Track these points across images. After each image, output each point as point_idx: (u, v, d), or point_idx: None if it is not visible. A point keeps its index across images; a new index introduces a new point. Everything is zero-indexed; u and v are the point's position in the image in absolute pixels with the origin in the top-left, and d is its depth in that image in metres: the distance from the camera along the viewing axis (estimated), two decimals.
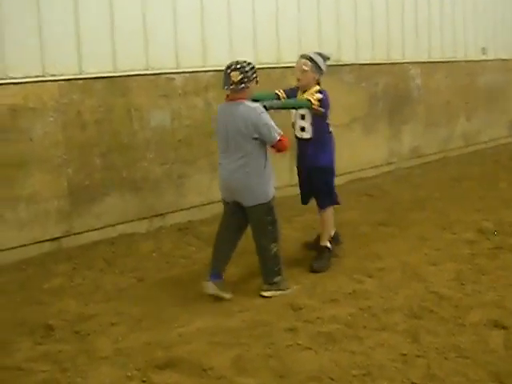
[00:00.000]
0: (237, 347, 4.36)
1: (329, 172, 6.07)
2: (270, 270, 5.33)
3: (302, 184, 6.20)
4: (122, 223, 6.84)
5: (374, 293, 5.26)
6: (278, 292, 5.29)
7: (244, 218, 5.35)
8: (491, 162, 10.85)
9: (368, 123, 9.57)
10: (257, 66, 5.25)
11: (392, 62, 9.91)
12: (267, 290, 5.30)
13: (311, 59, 5.85)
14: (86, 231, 6.58)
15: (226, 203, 5.43)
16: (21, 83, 6.00)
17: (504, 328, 4.56)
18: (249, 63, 5.17)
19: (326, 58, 5.96)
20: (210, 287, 5.26)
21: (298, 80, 5.91)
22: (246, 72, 5.08)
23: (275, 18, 8.15)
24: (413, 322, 4.70)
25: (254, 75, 5.17)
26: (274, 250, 5.31)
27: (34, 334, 4.71)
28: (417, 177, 9.72)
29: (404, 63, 10.17)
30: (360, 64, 9.33)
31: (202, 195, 7.39)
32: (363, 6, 9.40)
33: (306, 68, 5.82)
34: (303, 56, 5.90)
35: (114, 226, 6.78)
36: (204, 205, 7.43)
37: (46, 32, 6.14)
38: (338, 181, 8.85)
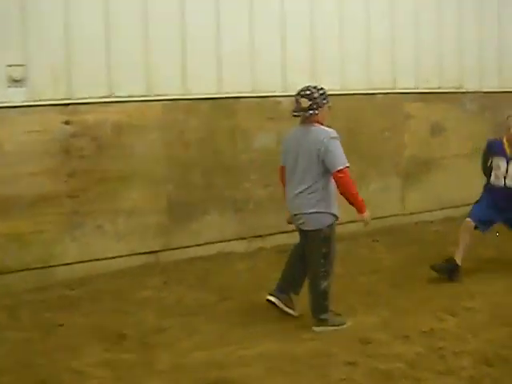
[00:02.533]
0: (290, 375, 4.34)
1: None
2: (317, 305, 5.22)
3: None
4: (221, 242, 6.98)
5: (452, 333, 5.02)
6: (331, 328, 5.17)
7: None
8: None
9: None
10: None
11: None
12: (318, 326, 5.20)
13: None
14: (184, 247, 6.78)
15: (299, 230, 5.43)
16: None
17: None
18: (320, 89, 5.13)
19: None
20: (273, 298, 5.33)
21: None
22: (315, 98, 5.05)
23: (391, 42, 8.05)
24: (481, 369, 4.43)
25: (325, 101, 5.11)
26: (323, 285, 5.17)
27: (106, 342, 4.94)
28: None
29: None
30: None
31: None
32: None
33: None
34: None
35: (212, 243, 6.92)
36: None
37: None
38: (455, 212, 8.70)
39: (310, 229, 5.17)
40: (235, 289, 6.16)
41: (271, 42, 7.19)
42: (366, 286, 6.10)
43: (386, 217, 8.03)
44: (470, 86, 8.85)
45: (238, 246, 7.10)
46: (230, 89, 6.90)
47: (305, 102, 5.04)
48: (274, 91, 7.21)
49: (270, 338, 4.95)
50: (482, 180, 6.77)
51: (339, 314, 5.33)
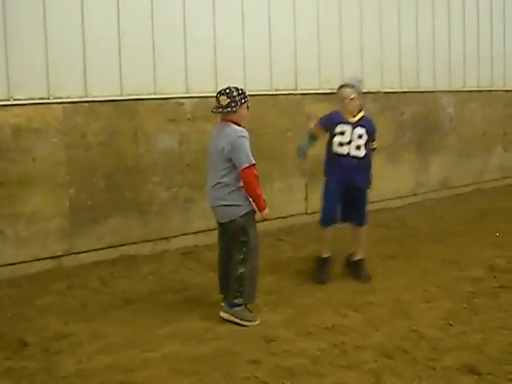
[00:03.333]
0: (194, 376, 4.34)
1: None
2: (231, 290, 5.31)
3: (335, 202, 6.26)
4: (125, 245, 6.91)
5: (354, 328, 5.15)
6: (237, 320, 5.24)
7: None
8: None
9: (393, 152, 9.43)
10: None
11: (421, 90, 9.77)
12: (225, 312, 5.30)
13: (354, 87, 6.15)
14: (87, 251, 6.67)
15: (217, 223, 5.54)
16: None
17: (477, 374, 4.38)
18: (239, 89, 5.27)
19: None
20: (221, 312, 5.34)
21: (345, 107, 6.16)
22: (234, 97, 5.19)
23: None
24: (382, 361, 4.57)
25: (243, 100, 5.25)
26: (240, 271, 5.27)
27: (7, 350, 4.80)
28: (443, 209, 9.49)
29: (435, 92, 10.00)
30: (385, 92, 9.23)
31: (209, 220, 7.37)
32: (389, 34, 9.30)
33: (353, 96, 6.09)
34: (347, 85, 6.18)
35: (115, 247, 6.85)
36: (210, 230, 7.40)
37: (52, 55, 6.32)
38: None
39: (224, 221, 5.35)
40: (139, 292, 6.11)
41: (173, 43, 7.15)
42: (270, 285, 6.15)
43: (289, 216, 8.15)
44: (371, 86, 9.04)
45: (143, 249, 7.04)
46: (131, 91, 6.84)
47: (223, 100, 5.18)
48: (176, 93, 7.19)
49: (173, 340, 4.95)
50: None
51: (251, 311, 5.37)
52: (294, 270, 6.68)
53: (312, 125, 6.38)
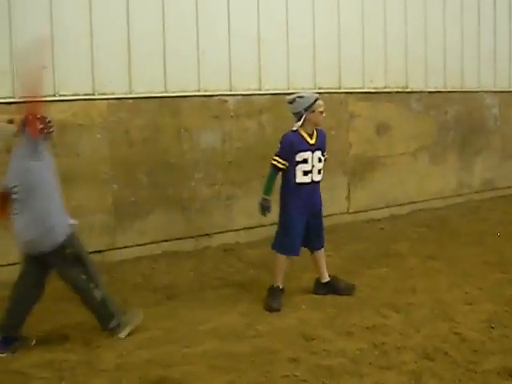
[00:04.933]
0: (233, 373, 4.36)
1: None
2: (101, 318, 5.01)
3: (301, 231, 5.81)
4: (167, 241, 6.96)
5: (394, 329, 5.11)
6: (130, 327, 5.02)
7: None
8: None
9: (437, 153, 9.35)
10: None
11: (465, 90, 9.65)
12: (114, 334, 4.97)
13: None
14: (130, 246, 6.74)
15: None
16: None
17: None
18: None
19: None
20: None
21: (317, 120, 5.74)
22: None
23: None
24: (422, 363, 4.53)
25: None
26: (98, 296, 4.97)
27: (49, 343, 4.88)
28: (486, 210, 9.37)
29: (480, 92, 9.87)
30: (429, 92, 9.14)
31: (251, 218, 7.41)
32: (434, 31, 9.21)
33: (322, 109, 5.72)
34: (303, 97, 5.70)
35: (158, 243, 6.91)
36: (253, 227, 7.46)
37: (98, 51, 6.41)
38: (401, 210, 8.84)
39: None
40: (181, 287, 6.16)
41: (217, 40, 7.21)
42: (310, 284, 6.13)
43: (331, 215, 8.13)
44: (415, 85, 8.97)
45: (185, 245, 7.09)
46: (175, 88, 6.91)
47: None
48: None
49: (213, 336, 4.97)
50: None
51: (125, 312, 5.15)
52: (336, 269, 6.65)
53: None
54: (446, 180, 9.55)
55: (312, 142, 5.71)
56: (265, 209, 5.66)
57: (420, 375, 4.34)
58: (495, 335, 5.01)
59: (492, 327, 5.17)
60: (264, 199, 5.66)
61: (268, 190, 5.69)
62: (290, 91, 7.00)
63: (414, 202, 9.06)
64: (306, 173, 5.68)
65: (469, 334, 5.01)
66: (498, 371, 4.42)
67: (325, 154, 5.87)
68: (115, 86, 6.58)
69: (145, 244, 6.86)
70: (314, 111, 5.64)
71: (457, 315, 5.40)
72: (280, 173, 5.70)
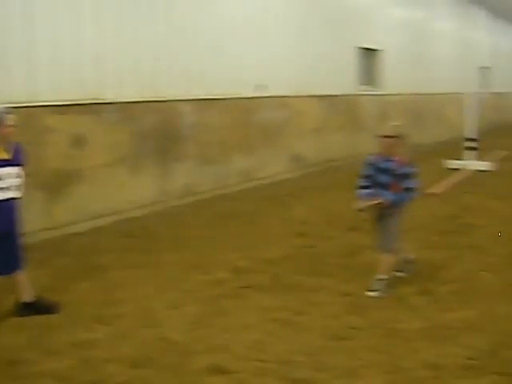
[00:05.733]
0: None
1: None
2: None
3: None
4: None
5: (103, 342, 5.06)
6: None
7: None
8: (266, 198, 11.10)
9: (135, 162, 9.44)
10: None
11: (161, 99, 9.88)
12: None
13: None
14: None
15: None
16: None
17: (227, 373, 4.54)
18: None
19: None
20: None
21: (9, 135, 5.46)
22: None
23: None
24: (133, 372, 4.56)
25: None
26: None
27: None
28: (186, 215, 9.67)
29: (175, 100, 10.17)
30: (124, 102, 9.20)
31: None
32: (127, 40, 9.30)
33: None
34: None
35: None
36: None
37: None
38: (103, 222, 8.78)
39: None
40: None
41: None
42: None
43: (31, 232, 7.80)
44: (110, 96, 8.96)
45: None
46: None
47: None
48: None
49: None
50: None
51: None
52: (39, 286, 6.38)
53: None
54: (146, 188, 9.68)
55: (7, 157, 5.43)
56: None
57: None
58: (201, 335, 5.19)
59: (197, 328, 5.35)
60: None
61: None
62: None
63: (116, 213, 9.05)
64: (2, 189, 5.39)
65: (175, 337, 5.16)
66: (206, 369, 4.59)
67: (22, 169, 5.58)
68: None
69: None
70: (2, 125, 5.37)
71: (163, 320, 5.51)
72: None
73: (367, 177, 6.20)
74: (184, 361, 4.72)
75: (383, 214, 6.16)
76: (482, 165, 14.63)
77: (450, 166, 14.66)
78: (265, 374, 4.52)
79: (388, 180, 6.06)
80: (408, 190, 6.06)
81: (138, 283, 6.49)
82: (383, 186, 6.08)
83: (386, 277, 6.17)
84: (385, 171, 6.08)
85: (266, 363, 4.68)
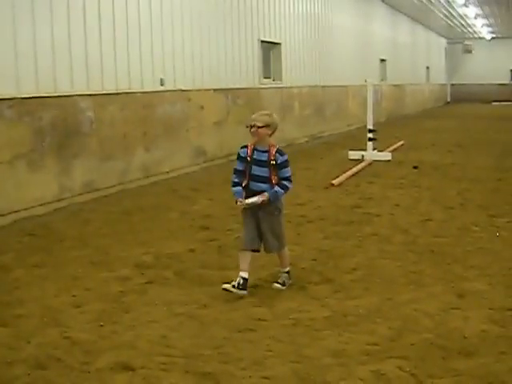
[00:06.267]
0: None
1: None
2: None
3: None
4: None
5: (3, 344, 4.92)
6: None
7: None
8: (169, 193, 11.07)
9: (34, 159, 9.22)
10: None
11: (59, 94, 9.68)
12: None
13: None
14: None
15: None
16: None
17: (132, 370, 4.51)
18: None
19: None
20: None
21: None
22: None
23: None
24: (36, 373, 4.45)
25: None
26: None
27: None
28: (88, 212, 9.53)
29: (74, 96, 9.99)
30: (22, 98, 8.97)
31: None
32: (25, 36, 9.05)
33: None
34: None
35: None
36: None
37: None
38: (2, 221, 8.54)
39: None
40: None
41: None
42: None
43: None
44: (6, 92, 8.72)
45: None
46: None
47: None
48: None
49: None
50: None
51: None
52: None
53: None
54: (46, 186, 9.46)
55: None
56: None
57: None
58: (105, 332, 5.15)
59: (101, 325, 5.30)
60: None
61: None
62: None
63: (15, 212, 8.83)
64: None
65: (79, 335, 5.07)
66: (111, 367, 4.54)
67: None
68: None
69: None
70: None
71: (66, 319, 5.42)
72: None
73: (240, 172, 5.99)
74: (89, 359, 4.65)
75: (264, 211, 5.94)
76: (381, 155, 15.06)
77: (351, 157, 15.01)
78: (171, 368, 4.52)
79: (265, 173, 5.86)
80: (285, 179, 5.87)
81: (40, 282, 6.36)
82: (261, 179, 5.89)
83: (289, 269, 6.26)
84: (260, 163, 5.88)
85: (172, 358, 4.68)
